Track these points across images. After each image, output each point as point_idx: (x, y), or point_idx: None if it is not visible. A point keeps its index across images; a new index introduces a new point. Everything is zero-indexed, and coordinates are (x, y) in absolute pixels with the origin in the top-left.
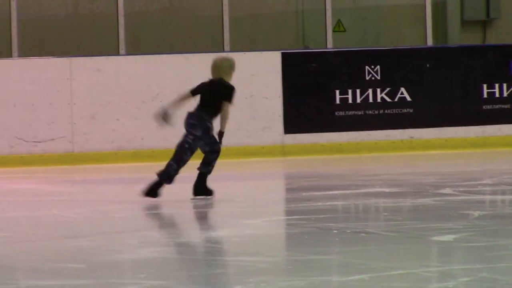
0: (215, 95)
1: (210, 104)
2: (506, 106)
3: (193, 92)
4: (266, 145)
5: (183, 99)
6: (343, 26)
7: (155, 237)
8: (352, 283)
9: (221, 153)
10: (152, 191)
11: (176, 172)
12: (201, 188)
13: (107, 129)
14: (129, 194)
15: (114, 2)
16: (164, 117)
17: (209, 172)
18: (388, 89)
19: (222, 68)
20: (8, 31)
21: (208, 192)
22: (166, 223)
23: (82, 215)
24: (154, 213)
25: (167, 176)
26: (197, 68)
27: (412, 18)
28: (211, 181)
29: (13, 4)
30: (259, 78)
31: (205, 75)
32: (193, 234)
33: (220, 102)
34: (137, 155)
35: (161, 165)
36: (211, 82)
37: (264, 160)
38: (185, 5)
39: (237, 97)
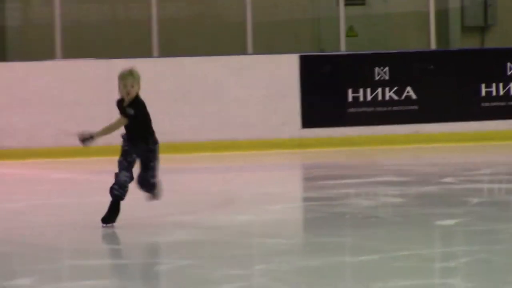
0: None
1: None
2: (502, 104)
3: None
4: (286, 139)
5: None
6: (355, 31)
7: (187, 221)
8: (363, 263)
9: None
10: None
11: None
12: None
13: None
14: (164, 182)
15: (148, 9)
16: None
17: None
18: (395, 88)
19: None
20: (52, 35)
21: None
22: (197, 209)
23: (121, 203)
24: (186, 200)
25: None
26: (222, 69)
27: (417, 24)
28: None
29: (57, 12)
30: (279, 79)
31: (227, 75)
32: (221, 219)
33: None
34: (169, 148)
35: (192, 156)
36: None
37: (283, 152)
38: (212, 12)
39: (259, 95)
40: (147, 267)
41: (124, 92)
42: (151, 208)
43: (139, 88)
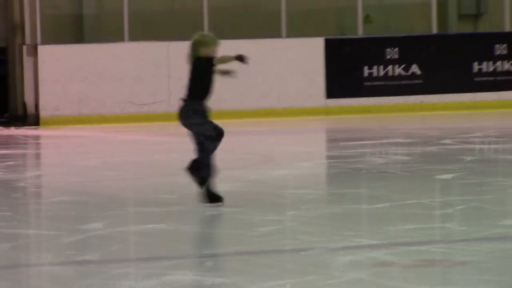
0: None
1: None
2: (491, 78)
3: None
4: (313, 107)
5: None
6: (371, 18)
7: (234, 176)
8: (376, 210)
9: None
10: (211, 196)
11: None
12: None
13: None
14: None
15: (200, 0)
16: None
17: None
18: (403, 65)
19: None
20: (121, 21)
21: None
22: (242, 165)
23: (176, 158)
24: (233, 158)
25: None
26: (262, 49)
27: (421, 12)
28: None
29: (125, 1)
30: (308, 58)
31: (266, 55)
32: (260, 172)
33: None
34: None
35: (238, 121)
36: None
37: (311, 119)
38: (253, 2)
39: (293, 71)
40: (198, 213)
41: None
42: None
43: None
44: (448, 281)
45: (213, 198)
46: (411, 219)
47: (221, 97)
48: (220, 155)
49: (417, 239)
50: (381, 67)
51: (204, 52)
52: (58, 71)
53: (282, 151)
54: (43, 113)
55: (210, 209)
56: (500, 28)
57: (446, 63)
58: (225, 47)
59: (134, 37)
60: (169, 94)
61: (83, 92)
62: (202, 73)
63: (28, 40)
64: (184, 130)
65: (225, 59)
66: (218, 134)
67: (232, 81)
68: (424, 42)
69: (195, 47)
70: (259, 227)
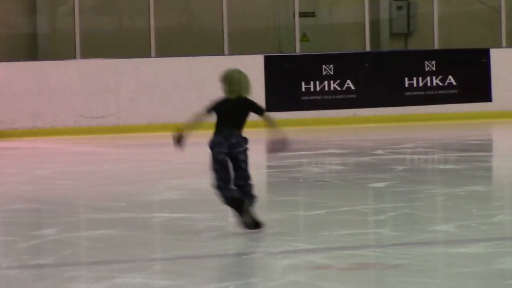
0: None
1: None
2: (421, 93)
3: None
4: (253, 121)
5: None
6: (307, 37)
7: (177, 184)
8: (313, 216)
9: None
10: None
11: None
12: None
13: (142, 109)
14: (158, 154)
15: (147, 20)
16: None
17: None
18: (338, 81)
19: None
20: (73, 40)
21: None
22: (183, 174)
23: (124, 168)
24: (173, 167)
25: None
26: (205, 66)
27: (355, 31)
28: None
29: (77, 21)
30: (250, 74)
31: (207, 71)
32: (202, 181)
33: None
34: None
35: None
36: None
37: (251, 131)
38: (197, 22)
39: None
40: (145, 220)
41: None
42: (147, 174)
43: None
44: (381, 283)
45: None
46: (346, 225)
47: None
48: (161, 166)
49: (352, 243)
50: (317, 82)
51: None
52: (14, 87)
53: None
54: (0, 126)
55: (157, 216)
56: (429, 46)
57: (379, 78)
58: (171, 64)
59: (85, 55)
60: (118, 108)
61: (37, 106)
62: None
63: None
64: (131, 142)
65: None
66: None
67: (185, 96)
68: (358, 59)
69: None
70: (203, 232)
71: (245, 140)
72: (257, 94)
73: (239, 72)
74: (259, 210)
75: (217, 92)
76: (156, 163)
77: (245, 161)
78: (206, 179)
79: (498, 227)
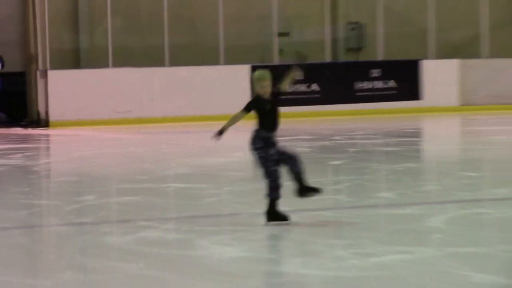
0: None
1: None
2: (369, 94)
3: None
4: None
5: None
6: (284, 52)
7: (186, 162)
8: (288, 186)
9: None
10: (273, 215)
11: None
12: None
13: (159, 105)
14: (172, 139)
15: (162, 39)
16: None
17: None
18: (307, 84)
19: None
20: (107, 53)
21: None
22: (190, 154)
23: (146, 151)
24: (184, 149)
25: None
26: (208, 73)
27: (320, 46)
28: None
29: (110, 39)
30: (240, 79)
31: (209, 78)
32: (206, 160)
33: None
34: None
35: (188, 123)
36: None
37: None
38: (200, 40)
39: (228, 89)
40: (162, 189)
41: (263, 90)
42: (165, 154)
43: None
44: (339, 236)
45: (277, 217)
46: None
47: (188, 105)
48: (174, 149)
49: (317, 206)
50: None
51: (257, 89)
52: (62, 89)
53: (220, 145)
54: (51, 118)
55: (170, 186)
56: (375, 58)
57: (337, 82)
58: (180, 72)
59: (116, 65)
60: (141, 105)
61: (80, 104)
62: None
63: (40, 66)
64: (151, 131)
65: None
66: (281, 159)
67: (193, 95)
68: (321, 67)
69: (252, 84)
70: (205, 198)
71: (252, 139)
72: (245, 95)
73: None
74: (246, 182)
75: (215, 93)
76: (170, 146)
77: (260, 158)
78: (209, 158)
79: (427, 194)
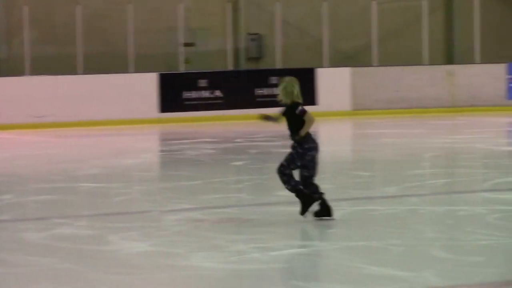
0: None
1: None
2: (268, 99)
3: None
4: (149, 118)
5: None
6: (189, 60)
7: (97, 163)
8: (193, 185)
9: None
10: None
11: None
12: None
13: (74, 110)
14: (85, 142)
15: (75, 46)
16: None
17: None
18: (210, 90)
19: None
20: (24, 64)
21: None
22: (101, 156)
23: (61, 152)
24: (95, 151)
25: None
26: (116, 81)
27: (222, 56)
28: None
29: (26, 52)
30: (148, 86)
31: (116, 84)
32: (116, 161)
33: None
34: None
35: (102, 127)
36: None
37: (147, 126)
38: (111, 48)
39: (138, 94)
40: (73, 188)
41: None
42: (79, 156)
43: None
44: (240, 232)
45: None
46: (216, 191)
47: (100, 110)
48: (87, 150)
49: (220, 204)
50: (195, 91)
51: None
52: None
53: (129, 147)
54: None
55: (83, 186)
56: (274, 66)
57: (239, 89)
58: (93, 79)
59: (33, 73)
60: (56, 110)
61: None
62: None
63: None
64: (65, 134)
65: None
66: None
67: (105, 101)
68: (224, 75)
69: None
70: (116, 196)
71: (306, 142)
72: (152, 100)
73: (285, 80)
74: (154, 181)
75: (125, 99)
76: (83, 148)
77: (308, 162)
78: (118, 159)
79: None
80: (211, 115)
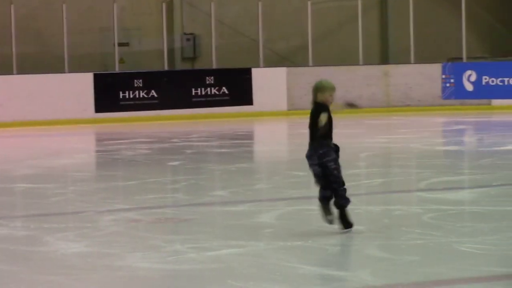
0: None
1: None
2: (203, 99)
3: None
4: (85, 118)
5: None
6: (124, 60)
7: (32, 164)
8: (129, 185)
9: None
10: (347, 223)
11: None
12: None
13: (9, 111)
14: (21, 143)
15: (9, 48)
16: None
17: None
18: (145, 90)
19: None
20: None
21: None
22: (36, 156)
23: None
24: (29, 152)
25: (344, 200)
26: (50, 81)
27: (157, 56)
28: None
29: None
30: (84, 86)
31: (50, 85)
32: (50, 161)
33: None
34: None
35: (36, 128)
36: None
37: (82, 126)
38: (47, 49)
39: (73, 95)
40: (11, 188)
41: (331, 99)
42: (15, 156)
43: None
44: (177, 232)
45: (348, 224)
46: (152, 191)
47: (35, 111)
48: (23, 151)
49: (156, 204)
50: (131, 91)
51: (320, 97)
52: None
53: (64, 147)
54: None
55: (19, 186)
56: (209, 66)
57: (174, 89)
58: (27, 80)
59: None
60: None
61: None
62: (316, 117)
63: None
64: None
65: (336, 107)
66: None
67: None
68: (159, 75)
69: (313, 92)
70: (51, 197)
71: (334, 149)
72: (88, 100)
73: (318, 81)
74: (90, 182)
75: (61, 99)
76: (18, 149)
77: (335, 168)
78: (53, 159)
79: (258, 192)
80: (147, 115)
